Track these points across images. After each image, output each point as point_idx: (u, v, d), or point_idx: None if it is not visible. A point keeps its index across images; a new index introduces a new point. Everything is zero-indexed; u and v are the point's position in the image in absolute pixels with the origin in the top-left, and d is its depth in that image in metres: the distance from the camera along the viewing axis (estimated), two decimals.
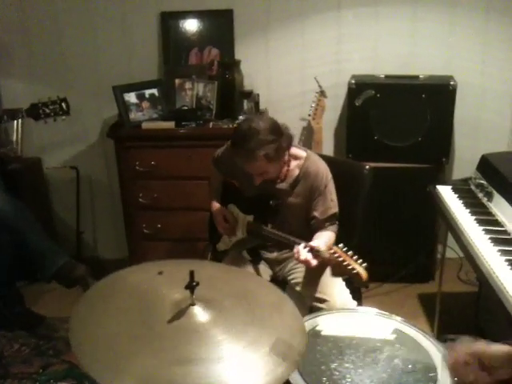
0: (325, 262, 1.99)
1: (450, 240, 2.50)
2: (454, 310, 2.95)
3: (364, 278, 1.82)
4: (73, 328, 1.29)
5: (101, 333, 1.28)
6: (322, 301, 2.18)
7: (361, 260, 1.86)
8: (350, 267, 1.84)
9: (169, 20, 3.28)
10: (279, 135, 2.12)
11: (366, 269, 1.84)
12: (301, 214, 2.30)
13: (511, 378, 1.31)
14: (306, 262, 2.02)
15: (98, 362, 1.20)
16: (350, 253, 1.88)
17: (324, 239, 2.17)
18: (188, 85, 3.23)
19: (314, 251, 1.99)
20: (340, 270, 1.89)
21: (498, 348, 1.35)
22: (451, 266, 3.27)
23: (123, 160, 3.15)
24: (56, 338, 2.87)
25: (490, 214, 2.32)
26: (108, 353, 1.22)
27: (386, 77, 3.16)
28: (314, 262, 2.00)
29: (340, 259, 1.87)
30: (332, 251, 1.90)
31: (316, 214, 2.26)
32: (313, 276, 2.25)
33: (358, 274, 1.83)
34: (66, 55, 3.40)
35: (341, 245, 1.91)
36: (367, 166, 2.44)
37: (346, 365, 1.54)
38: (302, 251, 2.01)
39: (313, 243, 2.03)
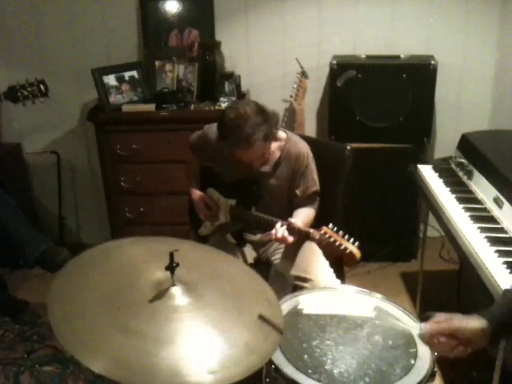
0: (316, 244, 1.98)
1: (433, 219, 2.52)
2: (435, 288, 2.99)
3: (357, 257, 1.81)
4: (51, 305, 1.27)
5: (80, 310, 1.27)
6: (306, 280, 2.19)
7: (352, 239, 1.85)
8: (342, 247, 1.83)
9: (148, 1, 3.23)
10: (267, 115, 2.11)
11: (359, 247, 1.83)
12: (283, 196, 2.31)
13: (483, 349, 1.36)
14: (282, 240, 2.04)
15: (77, 341, 1.19)
16: (340, 232, 1.86)
17: (301, 216, 2.20)
18: (168, 67, 3.20)
19: (290, 227, 2.01)
20: (332, 251, 1.87)
21: (472, 322, 1.37)
22: (433, 244, 3.31)
23: (104, 144, 3.12)
24: (40, 324, 2.86)
25: (469, 192, 2.35)
26: (86, 330, 1.21)
27: (367, 57, 3.16)
28: (290, 239, 2.03)
29: (331, 240, 1.86)
30: (322, 232, 1.89)
31: (297, 192, 2.27)
32: (296, 256, 2.27)
33: (351, 253, 1.81)
34: (43, 38, 3.35)
35: (330, 225, 1.89)
36: (348, 147, 2.44)
37: (327, 342, 1.55)
38: (279, 229, 2.03)
39: (290, 220, 2.05)
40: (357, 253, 1.82)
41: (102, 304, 1.28)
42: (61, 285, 1.34)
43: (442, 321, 1.42)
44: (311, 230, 1.98)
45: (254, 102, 2.17)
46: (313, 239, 1.97)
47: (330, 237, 1.86)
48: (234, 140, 2.07)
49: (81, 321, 1.24)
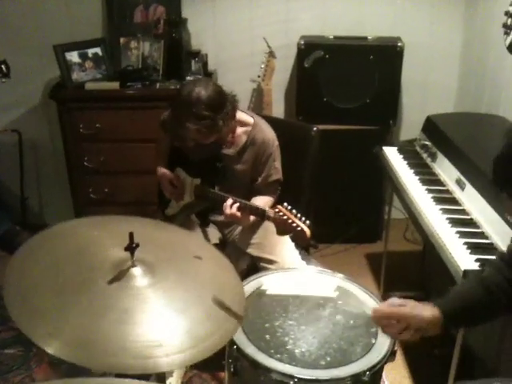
0: (270, 221, 2.01)
1: (398, 201, 2.54)
2: (399, 268, 3.03)
3: (308, 235, 1.87)
4: (7, 287, 1.24)
5: (36, 292, 1.24)
6: (271, 262, 2.20)
7: (304, 218, 1.90)
8: (294, 225, 1.88)
9: None
10: (218, 110, 2.05)
11: (310, 226, 1.88)
12: (247, 181, 2.31)
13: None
14: (232, 216, 2.07)
15: (33, 322, 1.17)
16: (293, 211, 1.92)
17: (258, 201, 2.21)
18: (133, 44, 3.13)
19: (241, 205, 2.06)
20: (284, 228, 1.93)
21: (424, 311, 1.40)
22: (398, 226, 3.35)
23: (67, 122, 3.04)
24: (2, 306, 2.79)
25: (433, 174, 2.38)
26: (42, 312, 1.19)
27: (335, 38, 3.14)
28: (238, 214, 2.06)
29: (284, 217, 1.91)
30: (277, 210, 1.94)
31: (258, 178, 2.28)
32: (262, 237, 2.27)
33: (301, 231, 1.87)
34: (3, 14, 3.21)
35: (285, 204, 1.94)
36: (315, 128, 2.44)
37: (290, 322, 1.56)
38: (228, 206, 2.07)
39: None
40: (307, 231, 1.87)
41: (59, 285, 1.25)
42: (17, 266, 1.30)
43: (395, 305, 1.45)
44: (267, 208, 2.02)
45: (215, 89, 2.09)
46: (268, 217, 2.00)
47: (283, 215, 1.91)
48: (181, 117, 2.06)
49: (37, 302, 1.21)
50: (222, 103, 2.08)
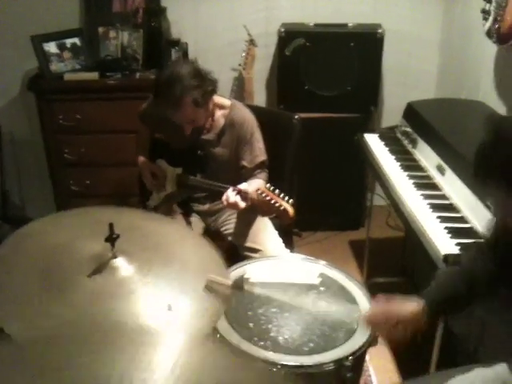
0: (253, 203, 1.99)
1: (380, 188, 2.56)
2: (382, 254, 3.06)
3: (291, 214, 1.85)
4: None
5: (15, 289, 1.23)
6: (255, 250, 2.20)
7: (287, 197, 1.88)
8: (277, 204, 1.86)
9: None
10: (203, 79, 2.09)
11: (293, 205, 1.86)
12: (229, 164, 2.29)
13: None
14: (234, 205, 2.02)
15: (12, 317, 1.16)
16: (276, 191, 1.89)
17: (253, 185, 2.17)
18: (112, 33, 3.09)
19: (242, 193, 2.00)
20: (268, 209, 1.90)
21: (410, 306, 1.43)
22: (380, 213, 3.36)
23: (46, 114, 3.01)
24: None
25: (414, 160, 2.39)
26: (23, 308, 1.18)
27: (316, 25, 3.13)
28: (242, 204, 2.00)
29: (267, 198, 1.88)
30: (259, 191, 1.91)
31: (244, 163, 2.26)
32: (246, 226, 2.27)
33: (284, 210, 1.85)
34: None
35: (268, 185, 1.92)
36: (296, 116, 2.43)
37: (273, 310, 1.57)
38: (231, 194, 2.01)
39: (240, 186, 2.04)
40: (290, 210, 1.85)
41: (38, 281, 1.24)
42: None
43: (381, 304, 1.48)
44: (249, 190, 1.99)
45: (193, 64, 2.15)
46: (251, 199, 1.97)
47: (266, 195, 1.88)
48: (163, 98, 2.06)
49: (15, 297, 1.20)
50: (203, 75, 2.11)
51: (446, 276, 1.56)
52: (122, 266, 1.30)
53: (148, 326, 1.18)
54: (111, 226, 1.28)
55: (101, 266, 1.28)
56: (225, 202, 2.05)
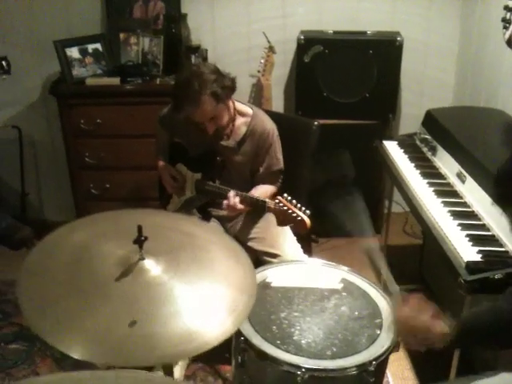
0: (270, 212, 2.04)
1: (397, 195, 2.56)
2: (399, 261, 3.04)
3: (307, 224, 1.91)
4: (20, 289, 1.25)
5: (48, 293, 1.25)
6: (274, 255, 2.22)
7: (304, 208, 1.93)
8: (294, 215, 1.92)
9: None
10: (221, 75, 2.13)
11: (310, 216, 1.92)
12: (247, 172, 2.33)
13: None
14: (232, 207, 2.10)
15: (47, 323, 1.18)
16: (293, 201, 1.95)
17: (259, 191, 2.22)
18: (133, 39, 3.13)
19: (242, 196, 2.08)
20: (285, 219, 1.96)
21: (438, 325, 1.37)
22: (397, 220, 3.37)
23: (67, 118, 3.04)
24: (4, 301, 2.81)
25: (433, 167, 2.39)
26: (56, 313, 1.20)
27: (335, 32, 3.15)
28: (240, 206, 2.09)
29: (284, 208, 1.93)
30: (277, 201, 1.96)
31: (260, 168, 2.30)
32: (264, 231, 2.29)
33: (301, 220, 1.91)
34: (2, 11, 3.19)
35: (285, 194, 1.97)
36: (316, 122, 2.45)
37: (295, 314, 1.58)
38: (231, 197, 2.09)
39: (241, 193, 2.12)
40: (307, 220, 1.92)
41: (71, 288, 1.27)
42: (30, 270, 1.31)
43: (415, 311, 1.41)
44: (267, 200, 2.05)
45: (212, 64, 2.20)
46: (268, 208, 2.02)
47: (283, 205, 1.94)
48: (184, 97, 2.09)
49: (52, 306, 1.22)
50: (222, 72, 2.15)
51: (486, 308, 1.46)
52: (150, 267, 1.31)
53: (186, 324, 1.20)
54: (140, 228, 1.30)
55: (129, 269, 1.30)
56: (225, 206, 2.11)
